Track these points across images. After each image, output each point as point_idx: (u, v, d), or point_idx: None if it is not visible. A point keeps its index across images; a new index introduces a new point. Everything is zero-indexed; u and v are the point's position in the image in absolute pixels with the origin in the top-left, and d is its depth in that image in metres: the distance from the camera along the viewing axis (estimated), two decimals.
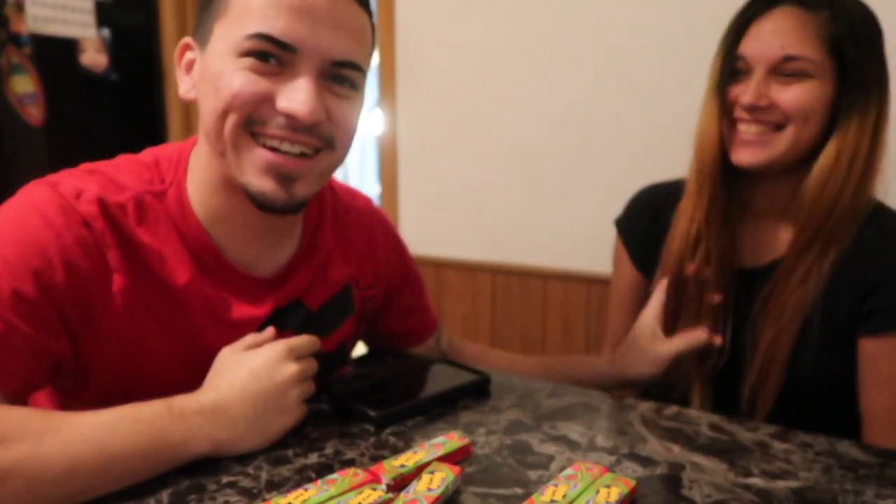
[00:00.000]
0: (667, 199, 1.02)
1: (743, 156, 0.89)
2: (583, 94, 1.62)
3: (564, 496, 0.54)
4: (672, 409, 0.77)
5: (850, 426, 0.91)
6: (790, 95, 0.85)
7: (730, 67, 0.90)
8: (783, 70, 0.86)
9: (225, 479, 0.60)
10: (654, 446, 0.67)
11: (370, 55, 0.73)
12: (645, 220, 1.07)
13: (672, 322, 0.98)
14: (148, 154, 0.76)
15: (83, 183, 0.68)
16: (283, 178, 0.68)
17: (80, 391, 0.71)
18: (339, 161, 0.73)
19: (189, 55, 0.72)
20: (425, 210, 1.88)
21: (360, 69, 0.70)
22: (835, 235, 0.87)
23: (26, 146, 2.00)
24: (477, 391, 0.81)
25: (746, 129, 0.88)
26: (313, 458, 0.64)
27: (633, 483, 0.57)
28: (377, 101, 1.94)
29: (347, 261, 0.87)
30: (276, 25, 0.64)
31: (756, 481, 0.60)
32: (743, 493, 0.58)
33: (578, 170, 1.65)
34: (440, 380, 0.82)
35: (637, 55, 1.54)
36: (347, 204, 0.90)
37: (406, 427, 0.71)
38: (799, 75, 0.85)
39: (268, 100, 0.66)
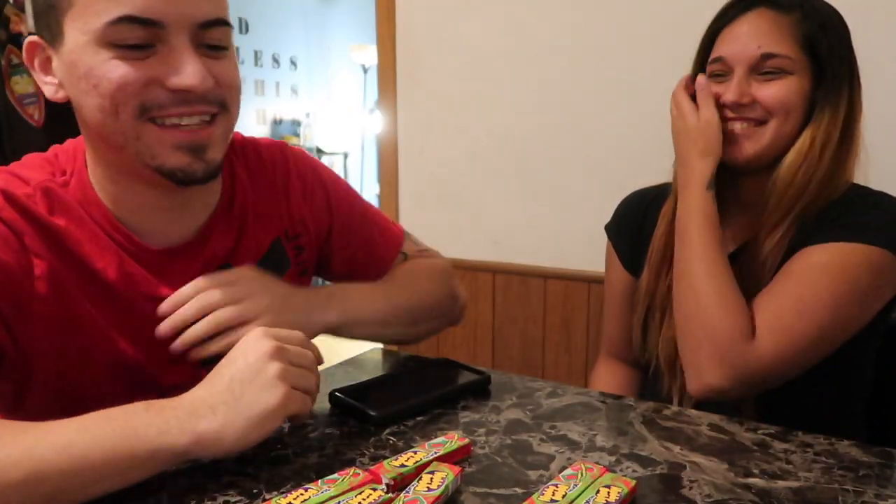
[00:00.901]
0: (652, 203, 1.07)
1: (732, 152, 0.92)
2: (583, 95, 1.62)
3: (564, 496, 0.54)
4: (672, 409, 0.77)
5: (838, 413, 0.91)
6: (771, 92, 0.89)
7: (708, 70, 0.95)
8: (762, 68, 0.89)
9: (225, 479, 0.60)
10: (654, 446, 0.67)
11: (228, 7, 0.73)
12: (632, 224, 1.10)
13: (661, 315, 1.00)
14: (50, 150, 0.77)
15: None
16: (195, 149, 0.69)
17: (25, 390, 0.70)
18: (234, 120, 0.74)
19: (41, 54, 0.70)
20: (425, 210, 1.87)
21: (228, 24, 0.70)
22: (801, 216, 0.90)
23: (26, 146, 2.00)
24: (477, 391, 0.81)
25: (731, 127, 0.92)
26: (313, 458, 0.64)
27: (633, 483, 0.57)
28: (377, 101, 1.94)
29: (269, 214, 0.85)
30: (134, 4, 0.63)
31: (756, 481, 0.60)
32: (743, 493, 0.58)
33: (578, 170, 1.65)
34: (440, 380, 0.82)
35: (637, 56, 1.54)
36: (258, 156, 0.88)
37: (406, 427, 0.71)
38: (777, 72, 0.89)
39: (154, 81, 0.65)
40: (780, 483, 0.60)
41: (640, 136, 1.55)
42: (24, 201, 0.68)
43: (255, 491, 0.58)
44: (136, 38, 0.64)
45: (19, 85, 1.98)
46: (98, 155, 0.72)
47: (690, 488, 0.59)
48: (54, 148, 0.77)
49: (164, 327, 0.70)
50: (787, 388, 0.92)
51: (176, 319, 0.69)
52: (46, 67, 0.70)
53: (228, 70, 0.71)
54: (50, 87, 0.71)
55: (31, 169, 0.72)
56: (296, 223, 0.88)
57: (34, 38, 0.70)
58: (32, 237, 0.67)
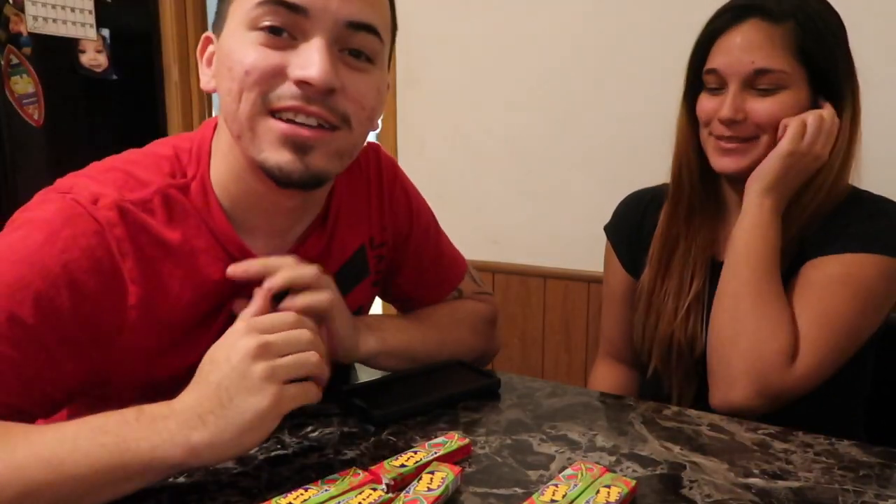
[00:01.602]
0: (650, 203, 1.07)
1: (724, 163, 0.92)
2: (583, 94, 1.62)
3: (564, 496, 0.54)
4: (672, 409, 0.77)
5: (838, 413, 0.91)
6: (764, 108, 0.88)
7: (700, 80, 0.94)
8: (756, 84, 0.89)
9: (225, 479, 0.60)
10: (654, 446, 0.67)
11: (389, 27, 0.71)
12: (631, 224, 1.10)
13: (655, 315, 1.01)
14: (165, 147, 0.73)
15: (100, 185, 0.65)
16: (299, 147, 0.65)
17: (100, 405, 0.66)
18: (357, 142, 0.70)
19: (210, 48, 0.71)
20: None
21: (377, 34, 0.67)
22: (810, 223, 0.90)
23: (26, 146, 2.00)
24: (485, 395, 0.80)
25: (726, 141, 0.91)
26: (313, 458, 0.64)
27: (633, 483, 0.57)
28: None
29: (359, 220, 0.83)
30: None
31: (756, 481, 0.60)
32: (743, 493, 0.58)
33: (578, 170, 1.65)
34: (449, 382, 0.82)
35: (638, 56, 1.54)
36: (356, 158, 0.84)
37: (406, 427, 0.71)
38: (773, 88, 0.88)
39: (281, 72, 0.64)
40: (780, 483, 0.60)
41: (640, 136, 1.55)
42: (138, 214, 0.65)
43: (255, 491, 0.58)
44: (277, 21, 0.63)
45: (19, 85, 1.97)
46: (227, 147, 0.70)
47: (690, 488, 0.59)
48: (171, 144, 0.73)
49: (233, 270, 0.68)
50: None
51: (247, 270, 0.68)
52: (210, 60, 0.71)
53: (363, 85, 0.67)
54: (205, 78, 0.71)
55: (149, 169, 0.69)
56: (382, 230, 0.86)
57: (209, 32, 0.71)
58: (134, 262, 0.64)
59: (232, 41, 0.65)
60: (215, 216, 0.70)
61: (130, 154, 0.72)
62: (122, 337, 0.64)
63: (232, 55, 0.64)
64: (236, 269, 0.68)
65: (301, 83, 0.63)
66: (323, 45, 0.63)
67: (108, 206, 0.64)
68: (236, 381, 0.56)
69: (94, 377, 0.65)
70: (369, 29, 0.66)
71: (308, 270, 0.70)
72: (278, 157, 0.65)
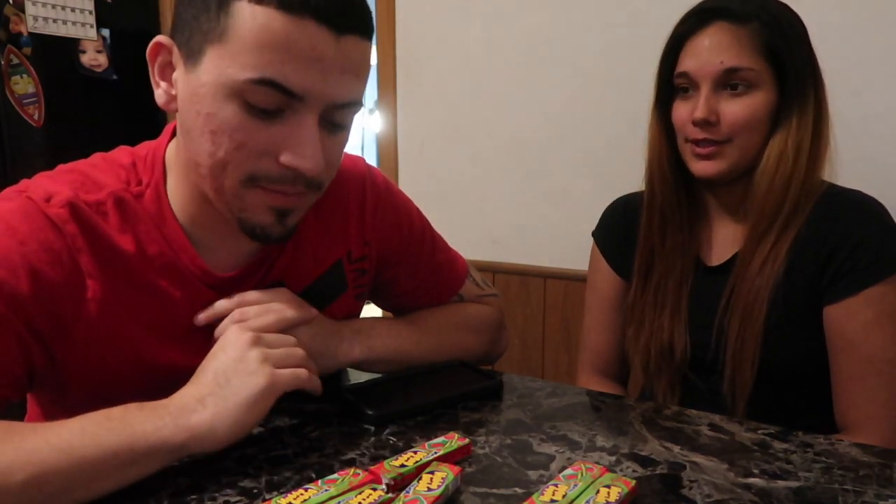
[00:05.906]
0: (639, 208, 1.04)
1: (702, 168, 0.93)
2: (582, 94, 1.62)
3: (564, 496, 0.54)
4: (672, 409, 0.77)
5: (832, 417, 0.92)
6: (736, 110, 0.89)
7: (671, 86, 0.96)
8: (728, 81, 0.89)
9: (225, 479, 0.60)
10: (654, 446, 0.67)
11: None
12: (620, 229, 1.09)
13: (636, 327, 1.01)
14: (124, 155, 0.73)
15: (55, 185, 0.67)
16: (282, 212, 0.67)
17: (62, 399, 0.70)
18: (321, 194, 0.72)
19: (165, 57, 0.66)
20: (425, 210, 1.87)
21: (361, 103, 0.67)
22: (789, 223, 0.90)
23: (26, 146, 2.00)
24: (487, 396, 0.80)
25: (702, 146, 0.92)
26: (313, 458, 0.64)
27: (633, 483, 0.57)
28: (377, 101, 1.94)
29: (334, 234, 0.83)
30: (282, 71, 0.59)
31: (756, 481, 0.60)
32: (743, 493, 0.58)
33: (578, 170, 1.65)
34: (450, 383, 0.81)
35: (637, 55, 1.54)
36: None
37: (406, 427, 0.71)
38: (744, 87, 0.89)
39: (268, 153, 0.63)
40: (780, 483, 0.60)
41: (640, 137, 1.54)
42: (91, 215, 0.66)
43: (255, 491, 0.58)
44: (271, 103, 0.61)
45: (19, 85, 1.97)
46: (184, 168, 0.70)
47: (690, 488, 0.59)
48: (129, 153, 0.74)
49: (200, 319, 0.71)
50: (786, 389, 0.92)
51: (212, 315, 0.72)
52: (165, 73, 0.67)
53: (339, 149, 0.69)
54: (163, 95, 0.67)
55: (106, 173, 0.70)
56: (362, 245, 0.85)
57: (165, 39, 0.65)
58: (88, 256, 0.66)
59: (212, 100, 0.62)
60: (170, 225, 0.71)
61: (94, 158, 0.73)
62: (81, 326, 0.66)
63: (214, 119, 0.62)
64: (202, 318, 0.72)
65: (292, 170, 0.64)
66: (316, 132, 0.63)
67: (60, 204, 0.65)
68: (233, 366, 0.62)
69: (55, 366, 0.67)
70: (355, 104, 0.66)
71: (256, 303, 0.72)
72: (260, 219, 0.67)
